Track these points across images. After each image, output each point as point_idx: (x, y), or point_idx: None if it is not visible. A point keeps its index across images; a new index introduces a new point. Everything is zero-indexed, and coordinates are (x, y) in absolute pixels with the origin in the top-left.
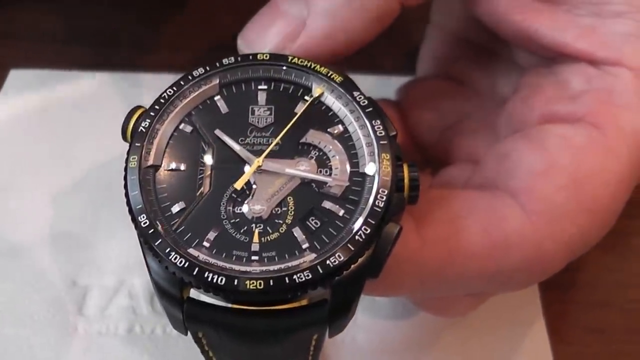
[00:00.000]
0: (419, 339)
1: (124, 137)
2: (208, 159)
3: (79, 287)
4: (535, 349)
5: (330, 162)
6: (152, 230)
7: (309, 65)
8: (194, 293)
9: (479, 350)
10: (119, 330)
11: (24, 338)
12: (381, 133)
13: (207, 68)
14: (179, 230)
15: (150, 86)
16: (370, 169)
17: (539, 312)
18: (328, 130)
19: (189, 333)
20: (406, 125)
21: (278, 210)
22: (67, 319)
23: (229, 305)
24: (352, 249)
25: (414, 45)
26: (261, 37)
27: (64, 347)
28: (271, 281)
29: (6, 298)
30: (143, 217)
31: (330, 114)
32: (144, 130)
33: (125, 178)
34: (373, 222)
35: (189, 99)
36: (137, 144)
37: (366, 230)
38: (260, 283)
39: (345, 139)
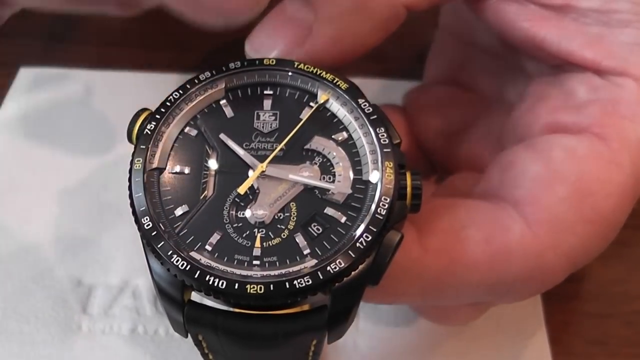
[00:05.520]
0: (421, 347)
1: (130, 139)
2: (212, 163)
3: (84, 286)
4: (537, 359)
5: (333, 168)
6: (155, 232)
7: (314, 71)
8: (195, 296)
9: (480, 359)
10: (122, 330)
11: (27, 335)
12: (385, 141)
13: (214, 72)
14: (182, 233)
15: (158, 86)
16: (373, 176)
17: (541, 322)
18: (332, 136)
19: (189, 336)
20: (412, 131)
21: (280, 215)
22: (71, 318)
23: (230, 308)
24: (353, 255)
25: (422, 50)
26: (268, 42)
27: (67, 345)
28: (271, 286)
29: (11, 295)
30: (146, 219)
31: (335, 120)
32: (149, 132)
33: (129, 180)
34: (374, 230)
35: (194, 102)
36: (142, 147)
37: (367, 237)
38: (260, 288)
39: (349, 145)
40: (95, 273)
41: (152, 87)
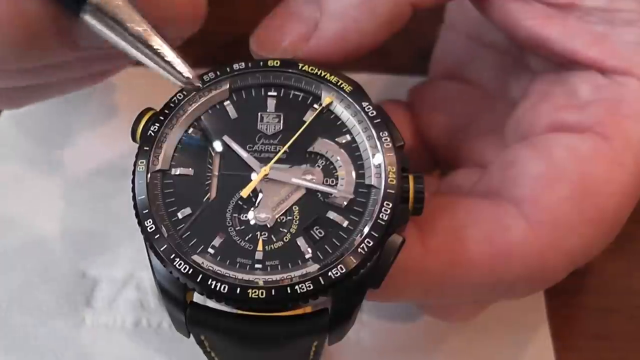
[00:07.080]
0: (424, 340)
1: (133, 139)
2: (215, 165)
3: (88, 278)
4: (539, 354)
5: (336, 172)
6: (157, 235)
7: (319, 73)
8: (197, 296)
9: (482, 354)
10: (126, 323)
11: (31, 328)
12: (388, 145)
13: (218, 73)
14: (185, 235)
15: (163, 80)
16: (375, 180)
17: (544, 317)
18: (336, 139)
19: (191, 335)
20: (417, 127)
21: (283, 218)
22: (75, 311)
23: (232, 310)
24: (355, 261)
25: (428, 45)
26: (273, 38)
27: (71, 338)
28: (273, 291)
29: (16, 288)
30: (149, 222)
31: (338, 123)
32: (152, 134)
33: (132, 182)
34: (376, 235)
35: (198, 103)
36: (145, 148)
37: (369, 243)
38: (262, 292)
39: (352, 149)
40: (99, 266)
41: (157, 82)
